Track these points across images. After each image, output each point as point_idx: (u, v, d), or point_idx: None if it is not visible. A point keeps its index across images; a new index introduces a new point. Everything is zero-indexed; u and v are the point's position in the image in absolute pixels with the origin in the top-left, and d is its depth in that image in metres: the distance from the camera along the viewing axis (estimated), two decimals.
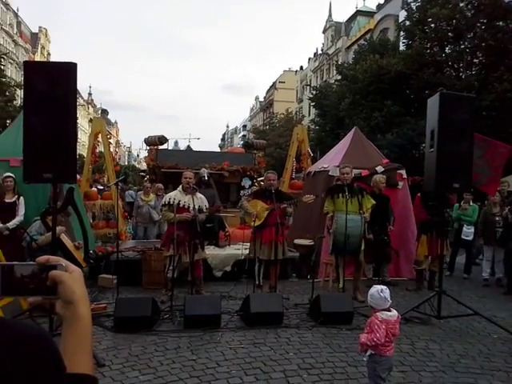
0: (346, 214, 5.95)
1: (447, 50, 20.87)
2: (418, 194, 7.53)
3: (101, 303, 5.73)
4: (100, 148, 11.29)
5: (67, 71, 4.18)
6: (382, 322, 3.15)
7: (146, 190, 10.02)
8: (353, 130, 9.14)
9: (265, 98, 69.77)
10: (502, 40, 17.86)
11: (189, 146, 20.45)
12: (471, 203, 8.69)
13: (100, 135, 10.48)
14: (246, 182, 11.69)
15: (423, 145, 20.20)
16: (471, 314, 5.35)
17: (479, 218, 8.29)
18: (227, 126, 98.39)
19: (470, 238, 8.60)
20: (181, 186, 6.13)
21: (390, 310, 3.24)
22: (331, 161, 8.53)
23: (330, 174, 7.99)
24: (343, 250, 6.09)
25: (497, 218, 7.49)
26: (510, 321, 5.55)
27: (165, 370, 3.85)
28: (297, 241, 8.00)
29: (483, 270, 8.17)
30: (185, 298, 5.21)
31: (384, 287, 3.31)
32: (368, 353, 3.21)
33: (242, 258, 7.06)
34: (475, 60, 20.32)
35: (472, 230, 8.54)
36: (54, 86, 4.12)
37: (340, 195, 6.28)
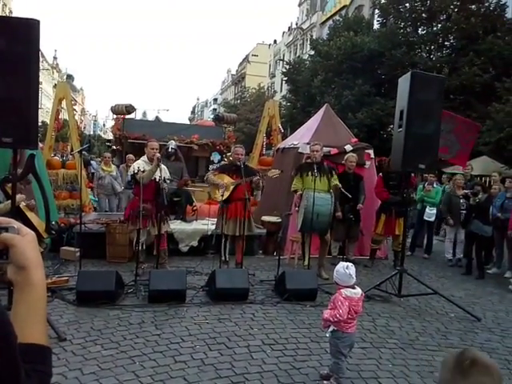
0: (314, 192, 5.96)
1: (420, 30, 21.00)
2: (380, 174, 7.65)
3: (63, 276, 5.60)
4: (64, 115, 10.86)
5: (28, 28, 3.92)
6: (345, 299, 3.20)
7: (106, 160, 9.73)
8: (324, 107, 9.11)
9: (237, 71, 68.74)
10: (474, 24, 18.09)
11: (157, 117, 19.93)
12: (434, 185, 8.90)
13: (64, 101, 10.07)
14: (216, 157, 11.56)
15: (391, 126, 20.55)
16: (430, 293, 5.52)
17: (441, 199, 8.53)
18: (197, 99, 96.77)
19: (432, 219, 8.85)
20: (145, 156, 5.99)
21: (354, 288, 3.29)
22: (301, 138, 8.51)
23: (299, 151, 7.97)
24: (311, 228, 6.13)
25: (461, 201, 7.68)
26: (466, 300, 5.79)
27: (128, 344, 3.80)
28: (264, 217, 8.01)
29: (446, 251, 8.44)
30: (150, 272, 5.14)
31: (350, 264, 3.35)
32: (331, 329, 3.27)
33: (209, 233, 7.02)
34: (446, 43, 20.57)
35: (434, 211, 8.78)
36: (13, 43, 3.85)
37: (309, 173, 6.29)
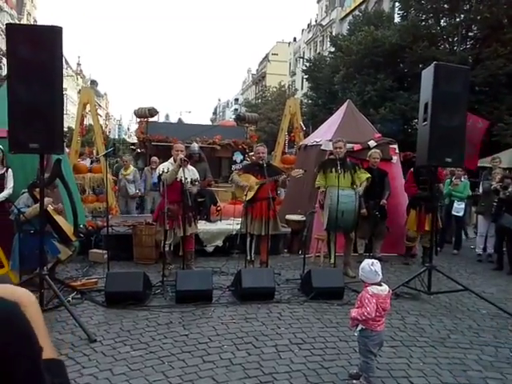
0: (338, 189, 5.90)
1: (442, 22, 20.58)
2: (411, 170, 7.51)
3: (92, 278, 5.69)
4: (89, 120, 11.08)
5: (52, 35, 4.00)
6: (372, 297, 3.15)
7: (125, 163, 9.81)
8: (346, 103, 9.02)
9: (257, 70, 68.77)
10: (497, 13, 17.61)
11: (180, 119, 20.12)
12: (462, 179, 8.70)
13: (88, 105, 10.26)
14: (238, 157, 11.60)
15: (415, 120, 20.21)
16: (461, 289, 5.40)
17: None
18: (219, 100, 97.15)
19: (461, 213, 8.65)
20: (172, 159, 6.04)
21: (380, 285, 3.24)
22: (324, 135, 8.44)
23: (322, 148, 7.91)
24: (336, 226, 6.07)
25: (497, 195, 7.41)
26: (498, 296, 5.63)
27: (156, 345, 3.84)
28: (288, 216, 7.97)
29: (476, 246, 8.24)
30: (176, 273, 5.18)
31: (375, 261, 3.30)
32: (359, 328, 3.22)
33: (234, 233, 7.03)
34: (470, 34, 20.09)
35: (463, 205, 8.59)
36: (38, 51, 3.96)
37: (332, 170, 6.23)
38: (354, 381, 3.22)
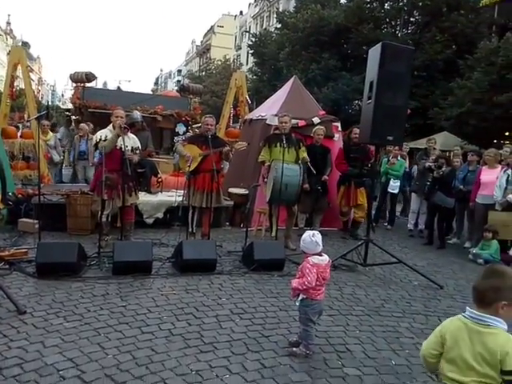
0: (283, 163, 5.91)
1: (386, 6, 21.04)
2: (340, 147, 7.69)
3: (21, 248, 5.35)
4: (20, 84, 10.30)
5: None
6: (313, 266, 3.19)
7: (44, 128, 9.16)
8: (292, 79, 8.99)
9: (202, 42, 67.21)
10: (438, 1, 18.25)
11: (119, 88, 19.28)
12: (399, 158, 9.02)
13: (19, 67, 9.51)
14: (181, 128, 11.31)
15: (356, 101, 20.71)
16: (395, 262, 5.64)
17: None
18: (161, 70, 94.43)
19: (396, 191, 9.03)
20: (111, 125, 5.74)
21: (321, 255, 3.28)
22: (269, 109, 8.39)
23: (267, 122, 7.87)
24: (279, 199, 6.10)
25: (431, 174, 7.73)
26: (428, 269, 5.95)
27: (92, 316, 3.68)
28: (231, 189, 7.92)
29: (408, 222, 8.65)
30: (114, 244, 4.98)
31: (316, 232, 3.34)
32: (300, 297, 3.26)
33: (175, 205, 6.88)
34: (412, 19, 20.71)
35: (398, 183, 8.95)
36: None
37: (277, 144, 6.22)
38: (294, 348, 3.27)
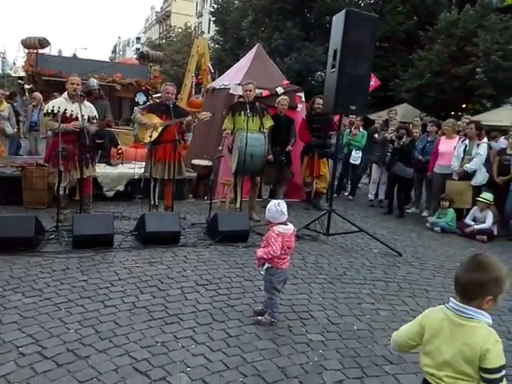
0: (247, 133, 5.85)
1: None
2: (303, 117, 7.69)
3: None
4: None
5: None
6: (278, 235, 3.20)
7: None
8: (255, 47, 8.82)
9: (161, 8, 64.82)
10: None
11: (75, 55, 18.42)
12: (360, 129, 9.12)
13: None
14: (141, 98, 10.97)
15: (318, 72, 20.67)
16: (356, 231, 5.77)
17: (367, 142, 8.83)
18: (119, 38, 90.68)
19: (358, 162, 9.15)
20: (66, 93, 5.47)
21: (286, 224, 3.29)
22: (232, 78, 8.24)
23: (230, 92, 7.73)
24: (244, 170, 6.05)
25: (391, 145, 7.85)
26: (388, 237, 6.13)
27: (52, 291, 3.58)
28: (194, 161, 7.81)
29: (369, 192, 8.83)
30: (73, 217, 4.82)
31: (281, 201, 3.35)
32: (265, 266, 3.28)
33: (136, 177, 6.73)
34: None
35: (360, 154, 9.06)
36: None
37: (241, 113, 6.13)
38: (259, 317, 3.30)
